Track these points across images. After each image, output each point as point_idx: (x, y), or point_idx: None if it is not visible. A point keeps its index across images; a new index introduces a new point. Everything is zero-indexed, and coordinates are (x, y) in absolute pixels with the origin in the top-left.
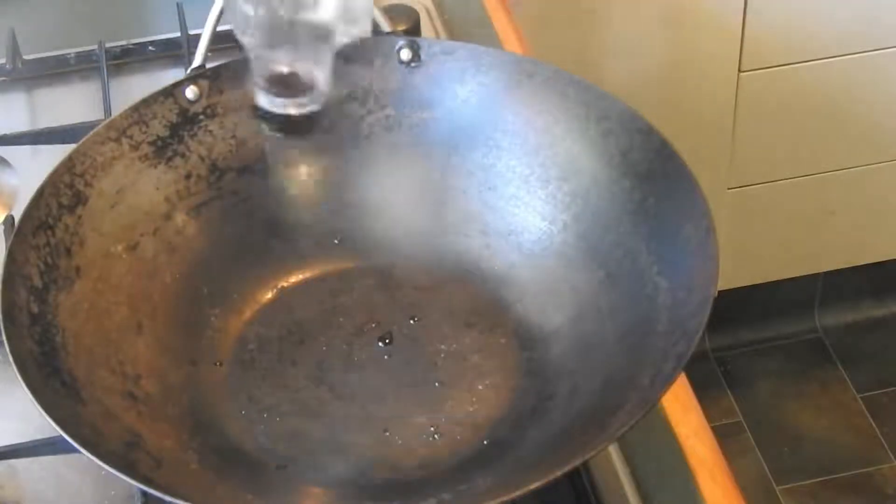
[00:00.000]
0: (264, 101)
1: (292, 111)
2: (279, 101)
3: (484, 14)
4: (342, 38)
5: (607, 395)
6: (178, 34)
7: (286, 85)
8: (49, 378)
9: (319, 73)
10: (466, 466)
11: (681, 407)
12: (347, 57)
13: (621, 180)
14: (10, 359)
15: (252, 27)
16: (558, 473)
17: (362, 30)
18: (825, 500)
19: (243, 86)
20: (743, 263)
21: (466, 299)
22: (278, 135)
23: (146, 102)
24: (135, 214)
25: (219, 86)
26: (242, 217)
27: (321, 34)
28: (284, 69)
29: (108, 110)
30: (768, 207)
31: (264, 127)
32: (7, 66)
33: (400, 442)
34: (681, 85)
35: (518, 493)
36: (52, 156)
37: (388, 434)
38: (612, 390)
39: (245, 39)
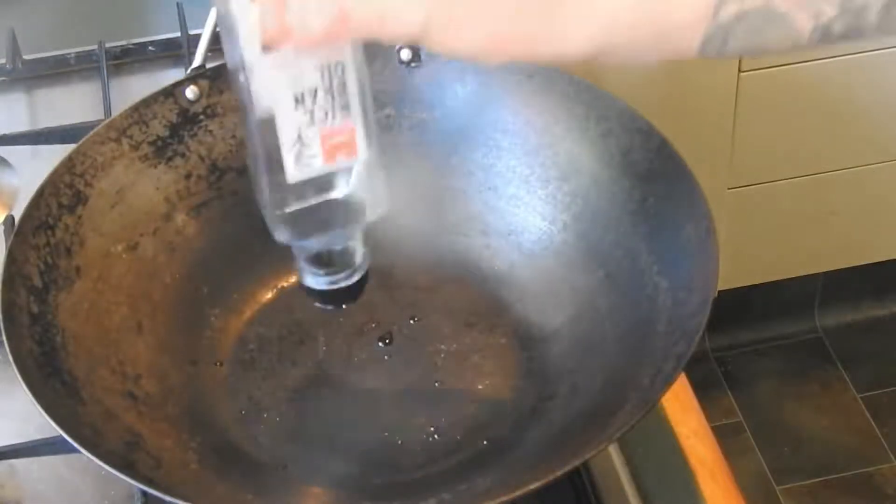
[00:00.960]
0: (311, 281)
1: (332, 288)
2: (324, 279)
3: None
4: (370, 215)
5: (607, 395)
6: (178, 34)
7: (327, 263)
8: (49, 378)
9: (356, 247)
10: (466, 466)
11: (681, 407)
12: None
13: (621, 180)
14: (10, 359)
15: (281, 219)
16: (558, 473)
17: (384, 206)
18: (825, 500)
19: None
20: (743, 263)
21: (466, 299)
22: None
23: (146, 102)
24: (135, 214)
25: (219, 86)
26: (242, 217)
27: (350, 210)
28: (323, 250)
29: (108, 110)
30: (768, 207)
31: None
32: (7, 66)
33: (400, 442)
34: (681, 85)
35: (518, 493)
36: (52, 156)
37: (388, 434)
38: (612, 390)
39: (277, 234)
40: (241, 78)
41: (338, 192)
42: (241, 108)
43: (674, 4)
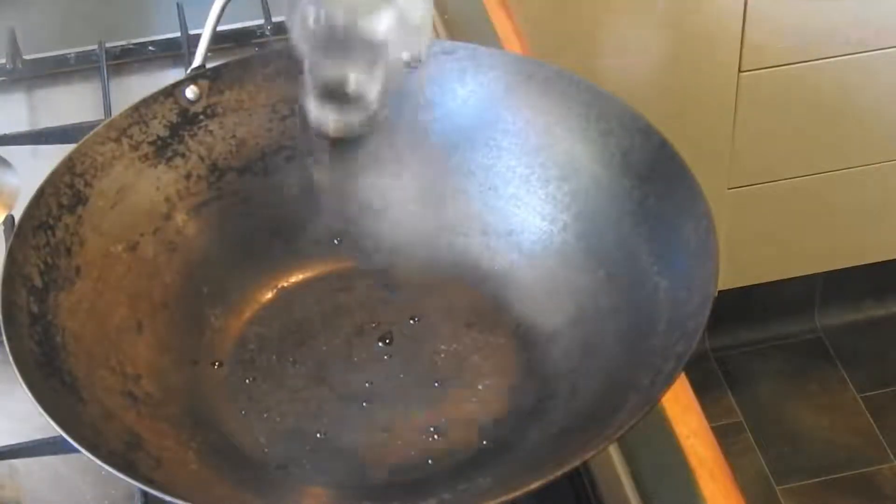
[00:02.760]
0: (312, 105)
1: (335, 125)
2: (325, 109)
3: (484, 14)
4: (401, 53)
5: (607, 395)
6: (178, 34)
7: (336, 96)
8: (49, 378)
9: (371, 88)
10: (466, 466)
11: (681, 407)
12: None
13: (621, 180)
14: (10, 359)
15: (311, 35)
16: (558, 473)
17: (422, 45)
18: (825, 500)
19: (244, 86)
20: (743, 263)
21: (466, 299)
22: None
23: (146, 102)
24: (135, 214)
25: (219, 86)
26: (242, 217)
27: (378, 48)
28: (337, 78)
29: (108, 110)
30: (768, 207)
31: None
32: (7, 66)
33: (400, 442)
34: (681, 85)
35: (518, 493)
36: (52, 156)
37: (388, 434)
38: (612, 390)
39: (303, 46)
40: None
41: (370, 22)
42: None
43: None
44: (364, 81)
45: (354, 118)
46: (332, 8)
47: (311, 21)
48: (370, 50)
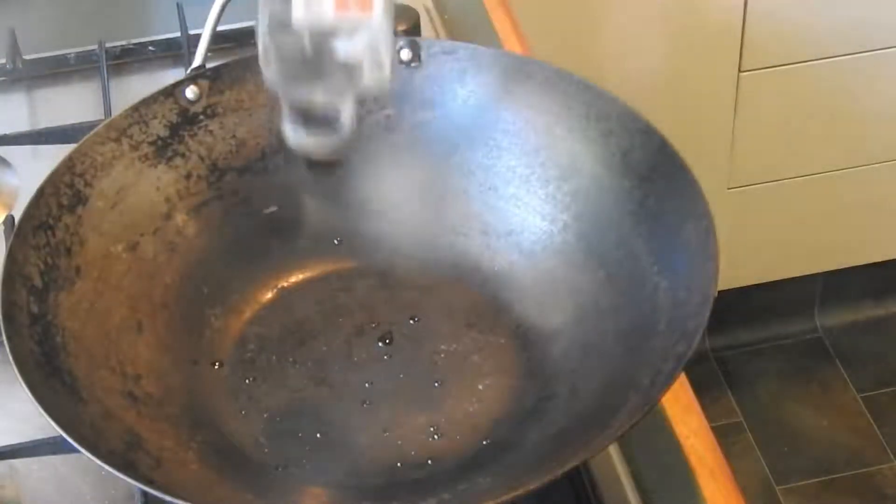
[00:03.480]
0: (292, 135)
1: (313, 149)
2: (303, 133)
3: (484, 14)
4: (367, 80)
5: (607, 395)
6: (178, 34)
7: (311, 119)
8: (49, 378)
9: (344, 110)
10: (466, 466)
11: (681, 407)
12: None
13: (621, 180)
14: (10, 359)
15: (274, 58)
16: (558, 473)
17: (385, 76)
18: (825, 500)
19: (244, 86)
20: (743, 263)
21: (466, 299)
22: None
23: (146, 102)
24: (135, 214)
25: (219, 86)
26: (242, 217)
27: (346, 70)
28: (309, 102)
29: (108, 110)
30: (768, 207)
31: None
32: (7, 66)
33: (400, 442)
34: (681, 85)
35: (518, 493)
36: (52, 156)
37: (388, 434)
38: (612, 390)
39: (266, 71)
40: None
41: (339, 47)
42: None
43: None
44: (336, 105)
45: (330, 142)
46: (301, 32)
47: (280, 46)
48: (340, 73)
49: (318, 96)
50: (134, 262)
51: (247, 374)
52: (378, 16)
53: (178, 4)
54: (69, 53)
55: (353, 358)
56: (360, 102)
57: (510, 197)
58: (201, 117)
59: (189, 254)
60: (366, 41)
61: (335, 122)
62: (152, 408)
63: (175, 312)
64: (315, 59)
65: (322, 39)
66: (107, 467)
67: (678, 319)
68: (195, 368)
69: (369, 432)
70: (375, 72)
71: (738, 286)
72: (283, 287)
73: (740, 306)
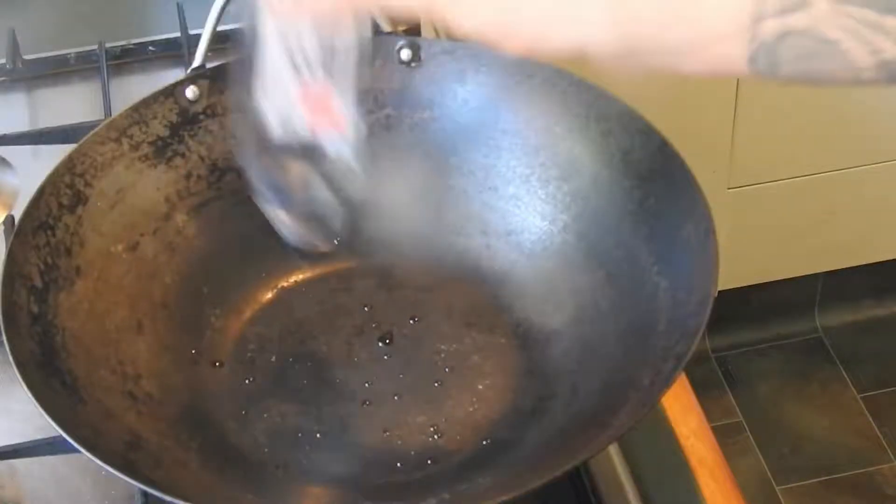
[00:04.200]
0: (286, 234)
1: (307, 246)
2: (296, 234)
3: None
4: (344, 184)
5: (607, 395)
6: (178, 34)
7: (301, 220)
8: (49, 378)
9: (329, 209)
10: (466, 466)
11: (681, 407)
12: None
13: (621, 180)
14: (10, 359)
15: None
16: (558, 473)
17: (359, 178)
18: (825, 500)
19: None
20: (743, 263)
21: (466, 299)
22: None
23: (146, 102)
24: (135, 214)
25: (219, 86)
26: (242, 217)
27: (326, 177)
28: (297, 209)
29: (108, 110)
30: (768, 207)
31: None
32: (7, 66)
33: (400, 442)
34: (681, 85)
35: (518, 493)
36: (52, 156)
37: (388, 434)
38: (612, 390)
39: (266, 208)
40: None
41: (313, 163)
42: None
43: (705, 10)
44: (322, 206)
45: (318, 234)
46: (281, 152)
47: (267, 167)
48: (321, 180)
49: (303, 205)
50: (134, 261)
51: (247, 374)
52: (350, 131)
53: (178, 4)
54: (69, 53)
55: (353, 358)
56: (360, 103)
57: (510, 197)
58: (201, 117)
59: (189, 254)
60: (340, 151)
61: (323, 220)
62: (152, 408)
63: (175, 312)
64: (296, 171)
65: (301, 154)
66: (107, 467)
67: (678, 319)
68: (195, 368)
69: (369, 432)
70: (350, 176)
71: (738, 286)
72: (283, 287)
73: (740, 306)
